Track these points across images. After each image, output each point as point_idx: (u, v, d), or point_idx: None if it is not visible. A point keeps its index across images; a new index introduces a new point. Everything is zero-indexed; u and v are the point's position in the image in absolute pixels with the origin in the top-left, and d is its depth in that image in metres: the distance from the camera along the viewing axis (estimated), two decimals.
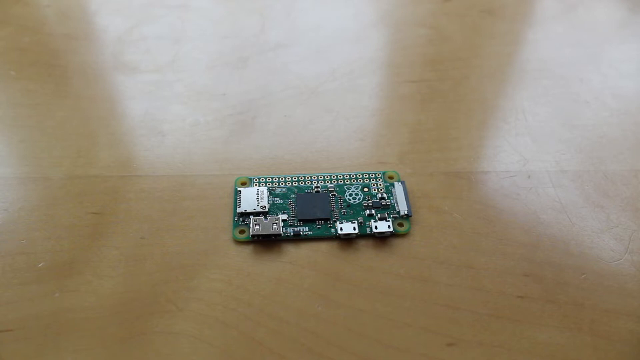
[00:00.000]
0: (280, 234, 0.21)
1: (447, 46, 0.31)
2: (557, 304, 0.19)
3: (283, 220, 0.22)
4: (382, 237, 0.22)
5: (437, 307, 0.19)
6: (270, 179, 0.24)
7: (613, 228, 0.22)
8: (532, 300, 0.20)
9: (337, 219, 0.22)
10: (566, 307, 0.19)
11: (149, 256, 0.21)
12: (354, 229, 0.21)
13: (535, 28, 0.33)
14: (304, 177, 0.24)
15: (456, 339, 0.19)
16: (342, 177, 0.24)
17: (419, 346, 0.18)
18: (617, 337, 0.19)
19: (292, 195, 0.23)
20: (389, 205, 0.23)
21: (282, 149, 0.25)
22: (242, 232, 0.22)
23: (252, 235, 0.21)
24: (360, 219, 0.22)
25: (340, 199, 0.23)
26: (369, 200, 0.23)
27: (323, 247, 0.21)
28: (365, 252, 0.21)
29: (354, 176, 0.24)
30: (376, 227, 0.21)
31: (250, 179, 0.24)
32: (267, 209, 0.22)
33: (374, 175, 0.24)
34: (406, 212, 0.22)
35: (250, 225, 0.21)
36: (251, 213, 0.22)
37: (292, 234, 0.22)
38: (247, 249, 0.21)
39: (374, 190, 0.23)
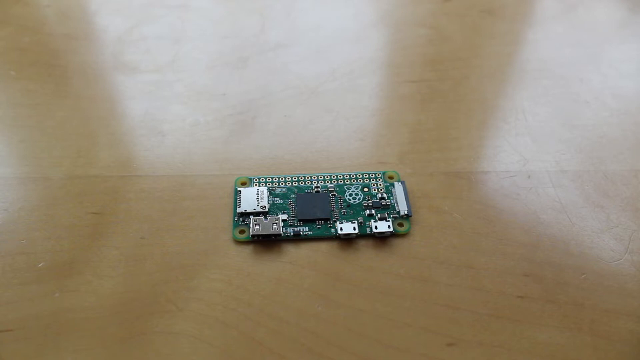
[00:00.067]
0: (280, 234, 0.21)
1: (447, 46, 0.31)
2: (557, 304, 0.19)
3: (283, 220, 0.22)
4: (382, 237, 0.22)
5: (437, 307, 0.19)
6: (270, 179, 0.24)
7: (613, 228, 0.22)
8: (532, 300, 0.20)
9: (337, 219, 0.22)
10: (566, 307, 0.19)
11: (149, 256, 0.21)
12: (354, 229, 0.21)
13: (535, 28, 0.33)
14: (304, 177, 0.24)
15: (456, 339, 0.19)
16: (342, 177, 0.24)
17: (419, 346, 0.18)
18: (617, 337, 0.19)
19: (292, 195, 0.23)
20: (389, 205, 0.23)
21: (282, 149, 0.25)
22: (242, 232, 0.22)
23: (252, 235, 0.21)
24: (360, 219, 0.22)
25: (340, 199, 0.23)
26: (369, 200, 0.23)
27: (323, 247, 0.21)
28: (365, 252, 0.21)
29: (354, 176, 0.24)
30: (376, 227, 0.21)
31: (250, 179, 0.24)
32: (267, 209, 0.22)
33: (374, 175, 0.24)
34: (406, 212, 0.22)
35: (250, 225, 0.21)
36: (251, 213, 0.22)
37: (292, 234, 0.22)
38: (247, 249, 0.21)
39: (374, 190, 0.23)
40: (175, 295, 0.20)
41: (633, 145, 0.25)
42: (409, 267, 0.21)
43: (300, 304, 0.19)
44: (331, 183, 0.23)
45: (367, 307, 0.19)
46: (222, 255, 0.21)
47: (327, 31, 0.32)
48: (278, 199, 0.23)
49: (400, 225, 0.22)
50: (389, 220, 0.22)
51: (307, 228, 0.22)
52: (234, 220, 0.22)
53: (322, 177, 0.24)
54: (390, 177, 0.24)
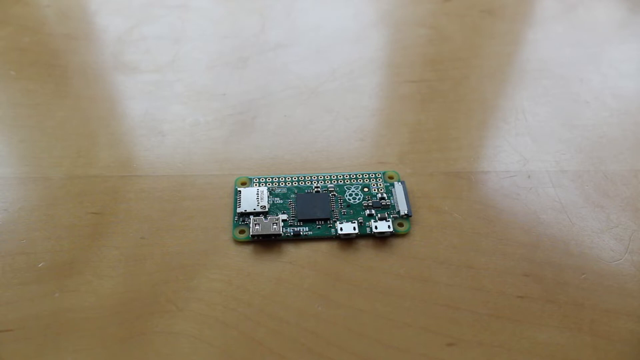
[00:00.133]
0: (280, 234, 0.21)
1: (447, 46, 0.31)
2: (557, 304, 0.19)
3: (283, 220, 0.22)
4: (382, 237, 0.22)
5: (437, 307, 0.19)
6: (270, 179, 0.24)
7: (613, 228, 0.22)
8: (532, 300, 0.20)
9: (337, 219, 0.22)
10: (566, 307, 0.19)
11: (149, 256, 0.21)
12: (354, 229, 0.21)
13: (535, 28, 0.33)
14: (304, 177, 0.24)
15: (456, 339, 0.19)
16: (342, 177, 0.24)
17: (419, 346, 0.18)
18: (617, 337, 0.19)
19: (292, 195, 0.23)
20: (389, 205, 0.23)
21: (282, 149, 0.25)
22: (242, 232, 0.22)
23: (252, 235, 0.21)
24: (360, 219, 0.22)
25: (340, 199, 0.23)
26: (369, 200, 0.23)
27: (323, 247, 0.21)
28: (365, 252, 0.21)
29: (354, 176, 0.24)
30: (376, 227, 0.21)
31: (250, 179, 0.24)
32: (267, 209, 0.22)
33: (374, 175, 0.24)
34: (406, 212, 0.22)
35: (250, 225, 0.21)
36: (251, 213, 0.22)
37: (292, 234, 0.22)
38: (247, 249, 0.21)
39: (374, 190, 0.23)
40: (175, 295, 0.20)
41: (633, 145, 0.25)
42: (409, 267, 0.21)
43: (300, 304, 0.19)
44: (331, 183, 0.23)
45: (367, 307, 0.19)
46: (222, 255, 0.21)
47: (327, 31, 0.32)
48: (278, 199, 0.23)
49: (400, 225, 0.22)
50: (389, 220, 0.22)
51: (307, 228, 0.22)
52: (234, 220, 0.22)
53: (322, 177, 0.24)
54: (390, 177, 0.24)
